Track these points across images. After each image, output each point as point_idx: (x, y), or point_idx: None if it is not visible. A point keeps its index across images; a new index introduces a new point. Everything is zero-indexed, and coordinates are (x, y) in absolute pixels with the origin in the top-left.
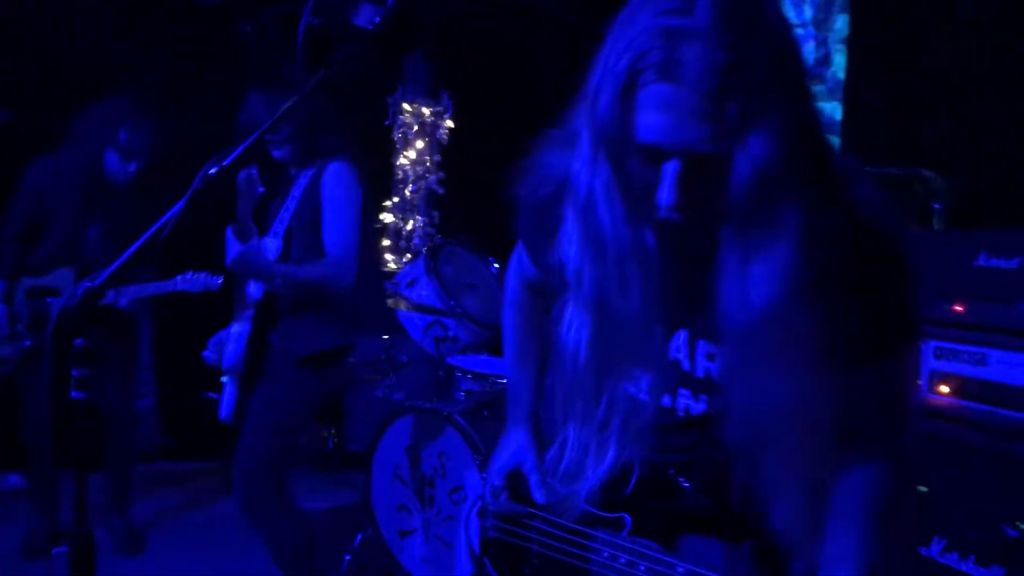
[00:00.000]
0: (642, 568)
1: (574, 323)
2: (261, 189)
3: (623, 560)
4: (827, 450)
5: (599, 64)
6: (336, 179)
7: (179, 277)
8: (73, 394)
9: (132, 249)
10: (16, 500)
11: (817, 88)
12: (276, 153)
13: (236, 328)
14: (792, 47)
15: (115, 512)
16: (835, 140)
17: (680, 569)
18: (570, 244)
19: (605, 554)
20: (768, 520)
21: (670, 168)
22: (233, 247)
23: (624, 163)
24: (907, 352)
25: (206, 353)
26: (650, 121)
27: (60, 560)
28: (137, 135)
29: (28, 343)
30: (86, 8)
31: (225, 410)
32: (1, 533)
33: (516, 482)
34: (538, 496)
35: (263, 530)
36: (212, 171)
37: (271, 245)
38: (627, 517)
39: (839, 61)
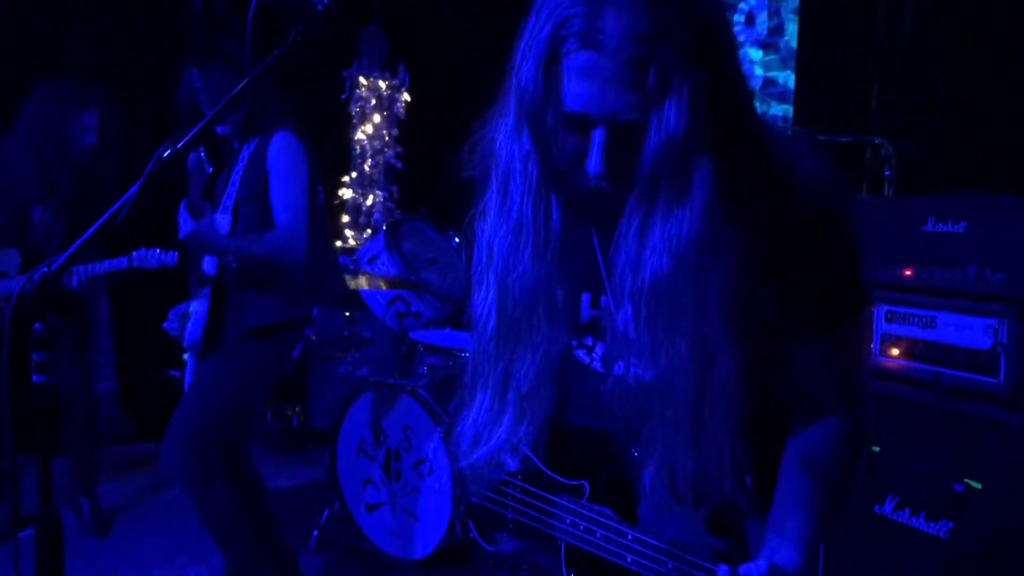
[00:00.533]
0: (599, 535)
1: (486, 294)
2: (210, 168)
3: (582, 527)
4: (761, 418)
5: (523, 34)
6: (281, 149)
7: (133, 254)
8: (34, 378)
9: (89, 232)
10: None
11: (770, 57)
12: (220, 129)
13: (195, 305)
14: (716, 16)
15: (81, 494)
16: (788, 108)
17: (629, 536)
18: (487, 216)
19: (567, 521)
20: (719, 486)
21: (597, 136)
22: (186, 224)
23: (549, 132)
24: (853, 323)
25: (167, 324)
26: (575, 90)
27: (27, 543)
28: (89, 115)
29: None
30: None
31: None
32: None
33: None
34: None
35: (195, 499)
36: (166, 153)
37: (222, 220)
38: (586, 484)
39: (791, 30)
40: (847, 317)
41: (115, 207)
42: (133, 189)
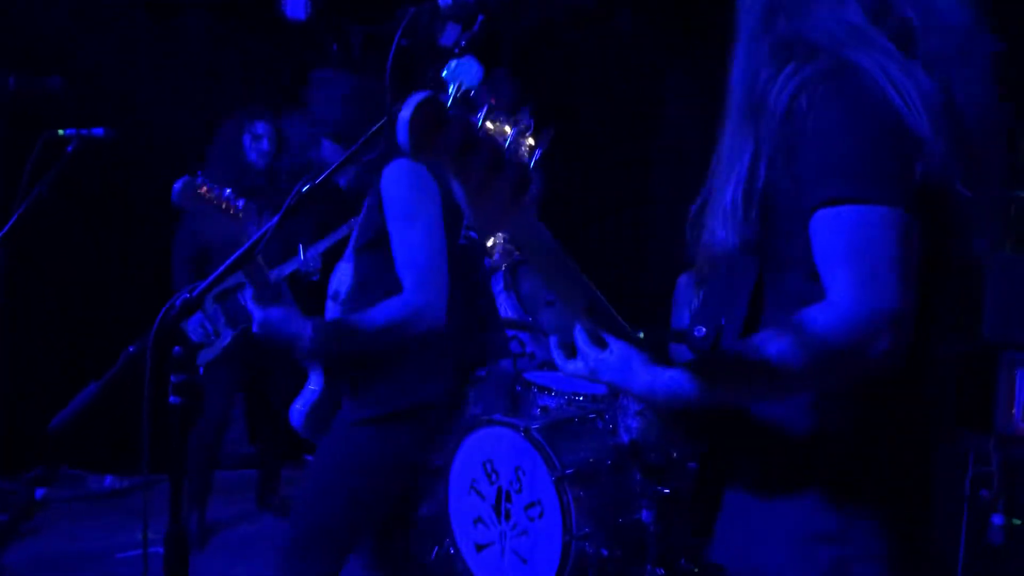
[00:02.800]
0: None
1: None
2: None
3: None
4: None
5: None
6: (396, 179)
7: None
8: (171, 399)
9: (229, 261)
10: (110, 501)
11: None
12: (342, 181)
13: (313, 381)
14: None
15: (194, 509)
16: None
17: None
18: None
19: None
20: None
21: None
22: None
23: None
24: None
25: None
26: None
27: (155, 560)
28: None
29: (227, 340)
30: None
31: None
32: (94, 534)
33: None
34: None
35: None
36: (304, 188)
37: (343, 272)
38: None
39: None
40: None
41: (254, 238)
42: (272, 222)
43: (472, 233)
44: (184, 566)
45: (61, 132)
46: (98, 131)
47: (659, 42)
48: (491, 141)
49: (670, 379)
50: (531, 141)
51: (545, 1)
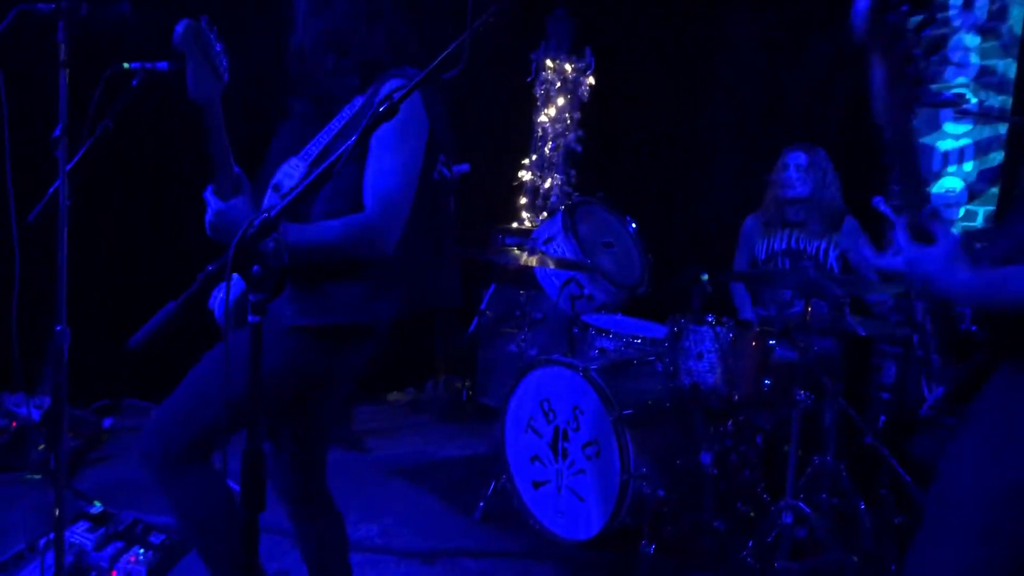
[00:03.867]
0: None
1: None
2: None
3: None
4: None
5: None
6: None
7: None
8: (250, 318)
9: (307, 181)
10: None
11: (989, 44)
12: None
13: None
14: None
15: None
16: (1007, 99)
17: None
18: None
19: None
20: None
21: None
22: (212, 204)
23: None
24: None
25: (211, 303)
26: None
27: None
28: None
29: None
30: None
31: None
32: None
33: None
34: None
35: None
36: (383, 107)
37: (296, 166)
38: None
39: (1016, 15)
40: None
41: (332, 158)
42: (349, 143)
43: (444, 170)
44: (261, 487)
45: (126, 66)
46: (162, 65)
47: None
48: (910, 34)
49: (991, 279)
50: (591, 81)
51: None
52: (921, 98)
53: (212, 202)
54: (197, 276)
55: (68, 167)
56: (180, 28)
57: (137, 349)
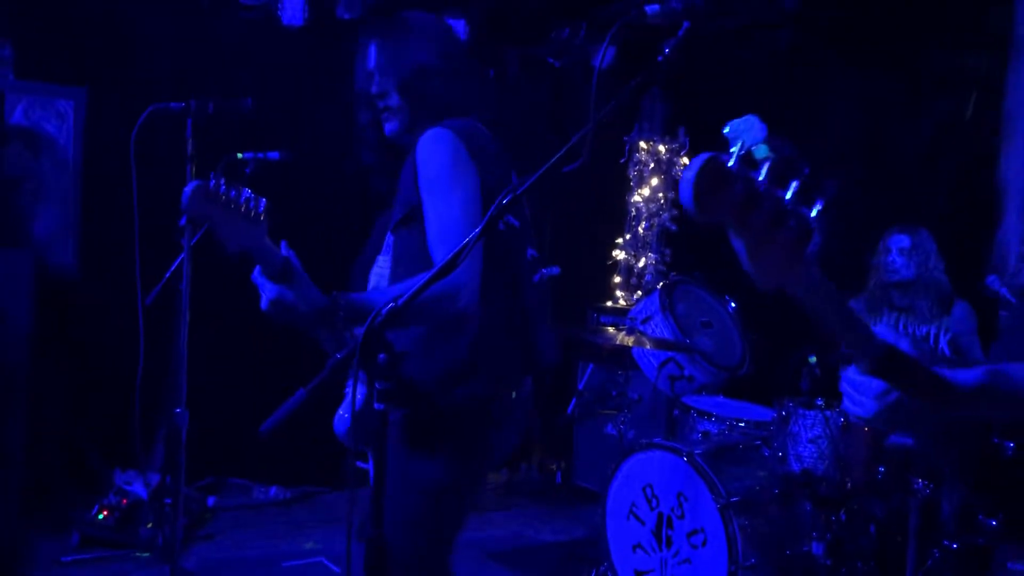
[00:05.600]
0: None
1: None
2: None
3: None
4: None
5: None
6: (432, 150)
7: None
8: (376, 406)
9: (431, 272)
10: (274, 511)
11: None
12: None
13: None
14: None
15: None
16: None
17: None
18: None
19: None
20: None
21: None
22: (266, 289)
23: None
24: None
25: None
26: None
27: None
28: None
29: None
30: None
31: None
32: (261, 543)
33: None
34: None
35: None
36: (506, 200)
37: (383, 264)
38: None
39: None
40: None
41: (458, 248)
42: (475, 232)
43: (513, 220)
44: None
45: (240, 155)
46: (273, 155)
47: (817, 59)
48: (773, 196)
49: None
50: (686, 160)
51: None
52: (811, 242)
53: (265, 286)
54: (326, 363)
55: (187, 254)
56: (186, 193)
57: (268, 435)
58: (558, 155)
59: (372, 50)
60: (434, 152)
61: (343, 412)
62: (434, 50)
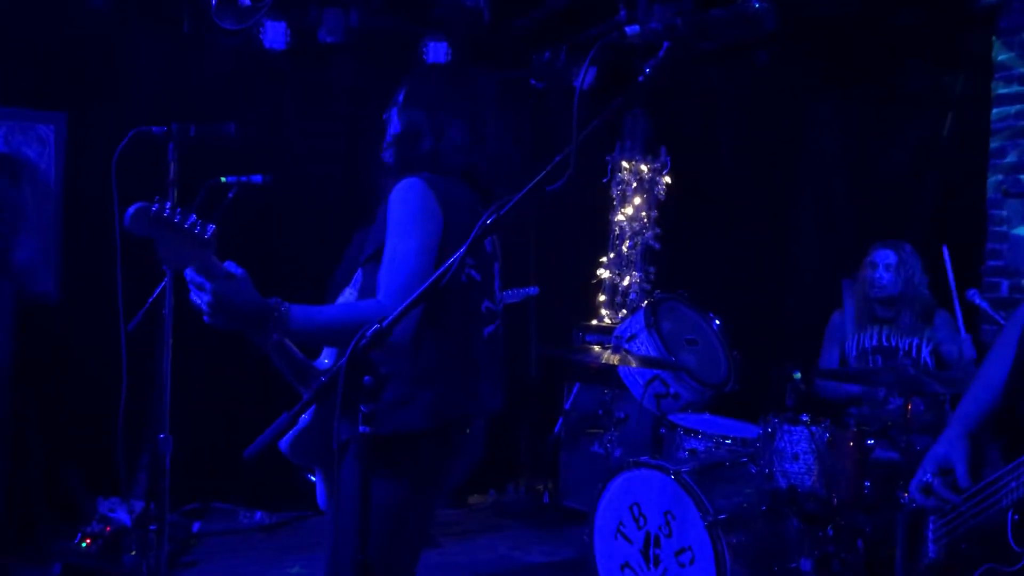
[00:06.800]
0: None
1: None
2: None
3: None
4: None
5: None
6: (404, 196)
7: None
8: (361, 429)
9: (417, 293)
10: (261, 535)
11: None
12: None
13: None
14: None
15: None
16: None
17: None
18: None
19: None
20: None
21: None
22: (197, 291)
23: None
24: None
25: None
26: None
27: None
28: None
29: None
30: (326, 76)
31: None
32: (249, 568)
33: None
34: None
35: None
36: (489, 220)
37: (349, 296)
38: None
39: None
40: None
41: (440, 271)
42: (458, 255)
43: (475, 274)
44: None
45: (223, 179)
46: (256, 178)
47: (797, 79)
48: None
49: None
50: (667, 180)
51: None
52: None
53: (204, 283)
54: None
55: (169, 279)
56: (128, 214)
57: (252, 459)
58: (540, 175)
59: (401, 91)
60: (404, 201)
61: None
62: (446, 108)
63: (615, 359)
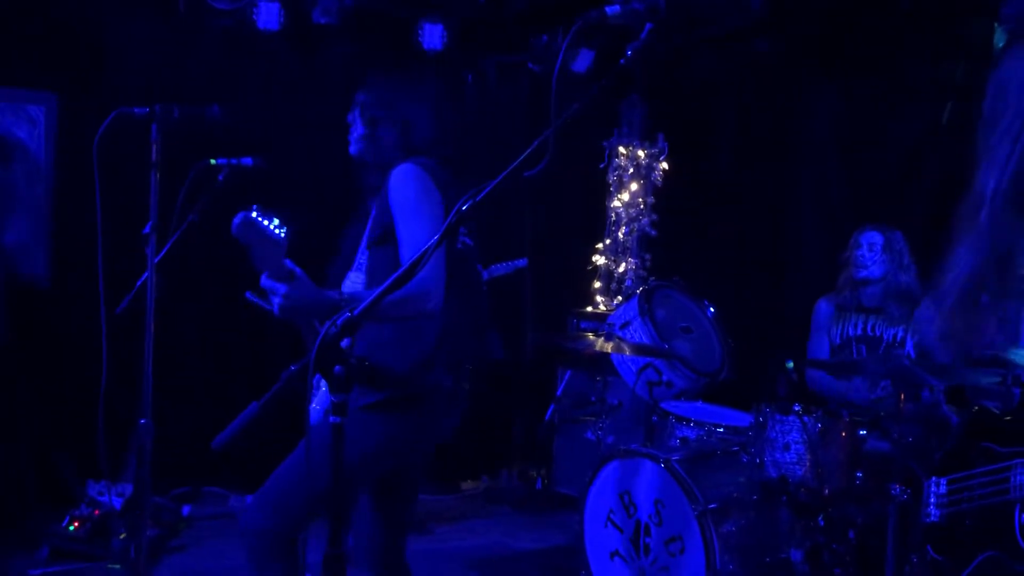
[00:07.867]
0: None
1: None
2: (280, 235)
3: None
4: None
5: None
6: (402, 181)
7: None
8: (332, 419)
9: (389, 281)
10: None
11: None
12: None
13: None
14: None
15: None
16: None
17: None
18: None
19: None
20: None
21: None
22: (276, 293)
23: None
24: None
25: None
26: None
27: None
28: None
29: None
30: (322, 60)
31: None
32: (239, 552)
33: None
34: None
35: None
36: (464, 206)
37: (355, 280)
38: None
39: None
40: None
41: (415, 257)
42: (433, 240)
43: (467, 240)
44: None
45: (213, 161)
46: (247, 160)
47: (795, 66)
48: None
49: None
50: (664, 166)
51: (695, 21)
52: None
53: (276, 287)
54: (280, 375)
55: (155, 261)
56: (236, 222)
57: (221, 449)
58: (518, 160)
59: (362, 91)
60: (405, 185)
61: (315, 405)
62: (415, 109)
63: (608, 346)
